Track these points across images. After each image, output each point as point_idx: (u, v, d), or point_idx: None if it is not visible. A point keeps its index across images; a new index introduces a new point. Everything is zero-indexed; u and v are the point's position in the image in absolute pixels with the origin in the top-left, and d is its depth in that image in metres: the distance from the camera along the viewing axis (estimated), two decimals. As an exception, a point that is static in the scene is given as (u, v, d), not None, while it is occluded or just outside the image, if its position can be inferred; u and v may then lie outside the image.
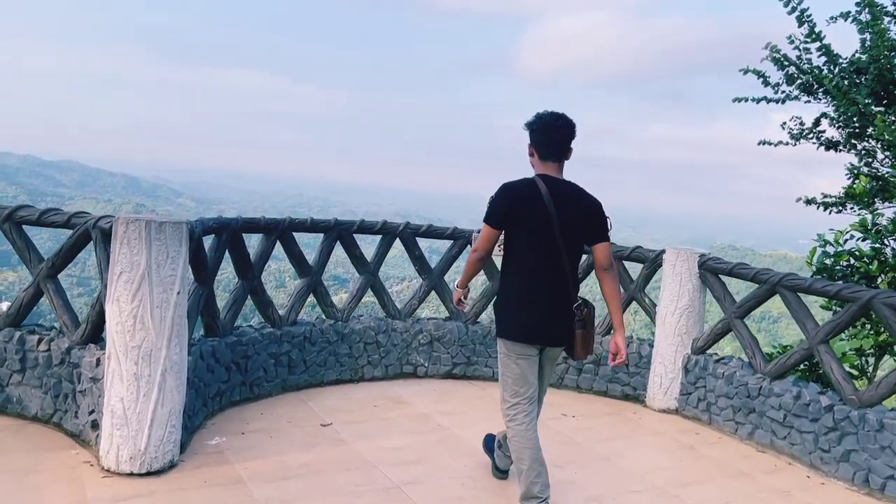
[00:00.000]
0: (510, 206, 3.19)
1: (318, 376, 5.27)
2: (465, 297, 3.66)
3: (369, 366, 5.55)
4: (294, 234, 5.17)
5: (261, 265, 4.95)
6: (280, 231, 5.02)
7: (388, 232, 5.61)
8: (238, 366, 4.68)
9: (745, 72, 6.19)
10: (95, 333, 3.97)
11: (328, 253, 5.40)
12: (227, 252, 4.65)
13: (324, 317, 5.50)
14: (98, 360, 3.80)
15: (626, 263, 5.80)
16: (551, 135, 3.22)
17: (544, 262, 3.19)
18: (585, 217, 3.23)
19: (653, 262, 5.62)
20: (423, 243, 5.89)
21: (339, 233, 5.40)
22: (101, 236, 3.84)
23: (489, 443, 4.01)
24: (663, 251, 5.51)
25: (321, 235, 5.31)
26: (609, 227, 3.31)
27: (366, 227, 5.53)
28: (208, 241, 4.38)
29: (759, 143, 6.87)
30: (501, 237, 3.30)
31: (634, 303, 5.78)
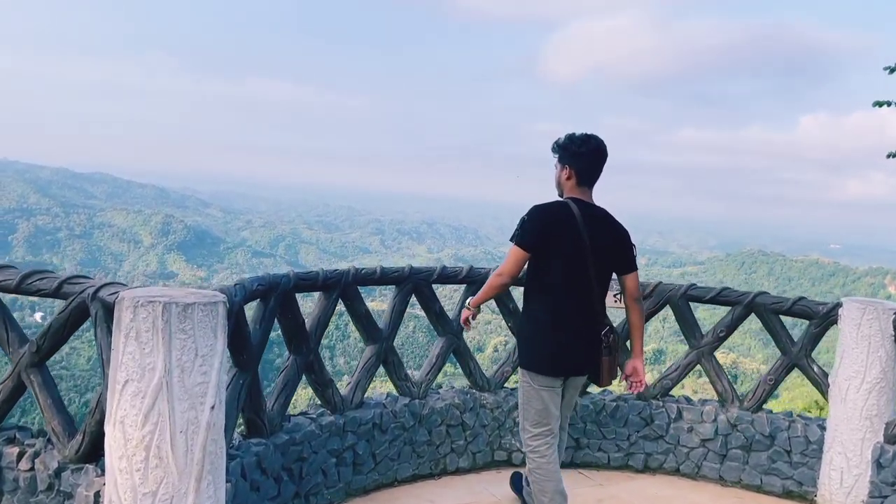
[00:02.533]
0: (544, 228, 3.09)
1: (391, 473, 4.04)
2: (474, 318, 3.48)
3: (453, 454, 4.30)
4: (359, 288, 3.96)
5: (319, 334, 3.74)
6: (343, 286, 3.81)
7: (474, 281, 4.38)
8: (290, 473, 3.46)
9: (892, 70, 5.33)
10: (95, 449, 2.78)
11: (402, 310, 4.17)
12: (275, 321, 3.46)
13: (396, 393, 4.27)
14: (97, 496, 2.62)
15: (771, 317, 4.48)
16: (599, 161, 3.18)
17: (574, 289, 3.13)
18: (617, 244, 3.22)
19: (824, 319, 4.30)
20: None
21: (416, 284, 4.17)
22: (104, 313, 2.65)
23: (517, 481, 3.89)
24: (839, 304, 4.19)
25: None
26: (635, 254, 3.30)
27: (448, 276, 4.30)
28: (249, 309, 3.20)
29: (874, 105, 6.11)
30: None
31: (797, 370, 4.47)
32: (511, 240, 3.14)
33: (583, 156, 3.14)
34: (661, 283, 4.61)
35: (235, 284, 2.98)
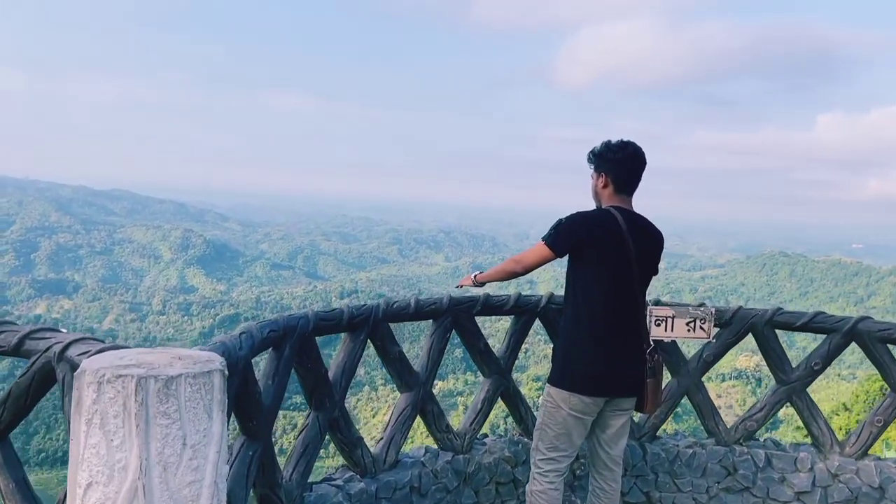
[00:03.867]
0: (587, 234, 2.89)
1: (433, 544, 3.39)
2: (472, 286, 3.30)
3: (505, 517, 3.65)
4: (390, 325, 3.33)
5: (344, 384, 3.11)
6: (372, 325, 3.18)
7: (524, 310, 3.73)
8: (314, 557, 2.83)
9: None
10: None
11: (441, 349, 3.53)
12: (292, 371, 2.84)
13: (435, 447, 3.63)
14: None
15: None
16: (637, 167, 3.00)
17: (619, 302, 2.95)
18: (657, 253, 3.08)
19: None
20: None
21: (456, 316, 3.54)
22: (71, 376, 2.04)
23: None
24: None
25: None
26: None
27: (494, 306, 3.65)
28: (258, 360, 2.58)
29: None
30: None
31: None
32: (543, 238, 2.96)
33: (619, 162, 2.97)
34: (741, 307, 3.94)
35: (241, 334, 2.36)
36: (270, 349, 2.70)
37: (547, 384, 3.04)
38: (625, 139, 3.01)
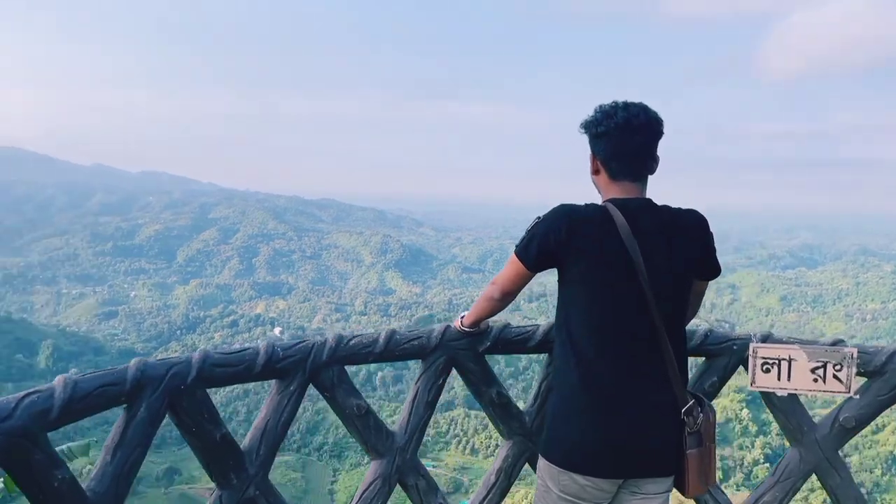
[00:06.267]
0: (565, 239, 2.04)
1: None
2: None
3: None
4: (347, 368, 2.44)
5: (266, 452, 2.27)
6: (310, 371, 2.32)
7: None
8: None
9: None
10: None
11: (431, 402, 2.56)
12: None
13: (427, 534, 2.66)
14: None
15: None
16: (628, 138, 2.08)
17: (624, 337, 2.04)
18: (695, 251, 2.11)
19: None
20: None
21: (452, 356, 2.57)
22: None
23: None
24: None
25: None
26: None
27: (513, 341, 2.61)
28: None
29: None
30: None
31: None
32: (516, 246, 2.24)
33: (608, 137, 2.11)
34: (908, 350, 2.55)
35: (27, 396, 1.63)
36: (126, 409, 1.96)
37: (539, 455, 2.23)
38: (624, 101, 2.12)
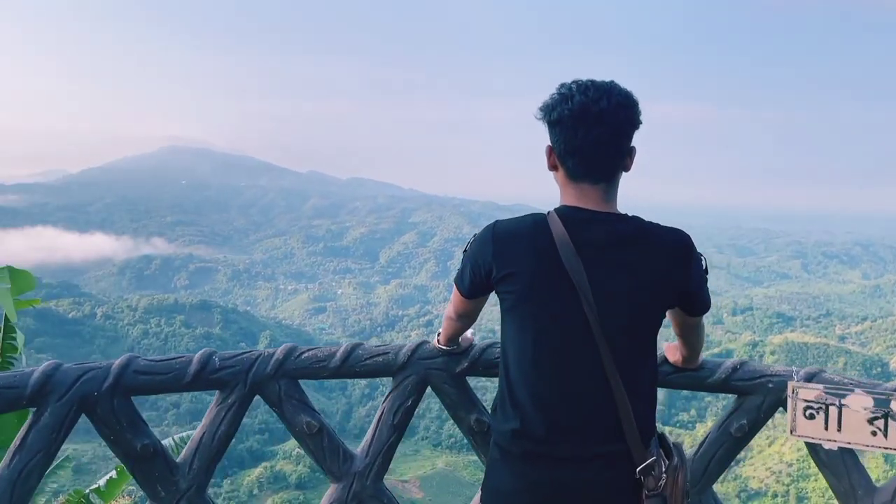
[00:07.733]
0: (491, 262, 1.73)
1: None
2: None
3: None
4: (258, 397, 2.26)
5: (201, 466, 2.14)
6: (250, 386, 2.16)
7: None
8: None
9: None
10: None
11: (399, 424, 2.29)
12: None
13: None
14: None
15: None
16: (584, 130, 1.65)
17: (563, 378, 1.68)
18: (668, 282, 1.69)
19: None
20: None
21: (426, 376, 2.27)
22: None
23: None
24: None
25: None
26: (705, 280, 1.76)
27: (495, 362, 2.28)
28: None
29: None
30: None
31: None
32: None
33: (561, 126, 1.68)
34: None
35: None
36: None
37: None
38: (585, 80, 1.69)
